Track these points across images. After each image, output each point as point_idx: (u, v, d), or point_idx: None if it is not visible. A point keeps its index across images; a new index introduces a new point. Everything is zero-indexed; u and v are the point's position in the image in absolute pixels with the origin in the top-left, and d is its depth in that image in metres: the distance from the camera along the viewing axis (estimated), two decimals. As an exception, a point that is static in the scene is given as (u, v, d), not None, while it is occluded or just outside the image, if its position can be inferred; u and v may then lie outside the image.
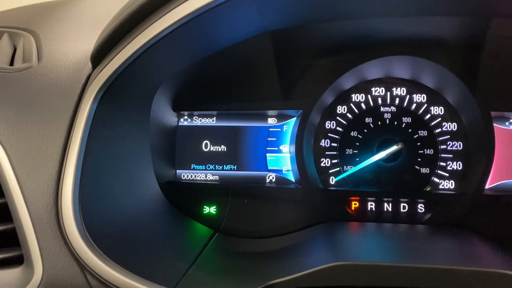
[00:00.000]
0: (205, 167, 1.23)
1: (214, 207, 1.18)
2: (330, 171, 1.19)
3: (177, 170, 1.23)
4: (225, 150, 1.22)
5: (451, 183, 1.15)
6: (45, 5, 1.23)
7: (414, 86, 1.18)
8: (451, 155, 1.15)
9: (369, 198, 1.16)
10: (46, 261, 0.75)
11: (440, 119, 1.16)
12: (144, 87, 0.99)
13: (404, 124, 1.17)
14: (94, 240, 0.76)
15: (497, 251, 0.90)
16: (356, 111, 1.19)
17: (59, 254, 0.76)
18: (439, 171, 1.15)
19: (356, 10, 0.87)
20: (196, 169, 1.23)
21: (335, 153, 1.19)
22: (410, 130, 1.16)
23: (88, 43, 0.93)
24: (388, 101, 1.18)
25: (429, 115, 1.16)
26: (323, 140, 1.20)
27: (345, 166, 1.19)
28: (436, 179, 1.15)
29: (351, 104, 1.19)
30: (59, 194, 0.78)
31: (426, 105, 1.17)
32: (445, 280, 0.71)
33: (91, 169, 0.82)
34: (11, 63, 0.96)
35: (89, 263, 0.74)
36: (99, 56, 0.84)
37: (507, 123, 1.13)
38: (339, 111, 1.19)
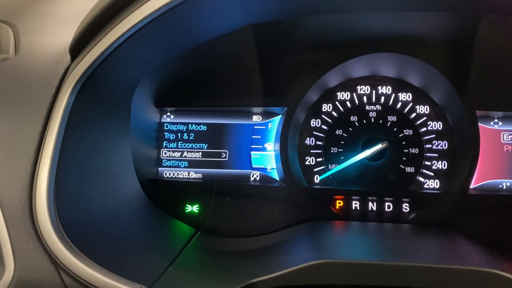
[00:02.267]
0: (188, 164, 1.21)
1: (197, 205, 1.16)
2: (314, 170, 1.18)
3: (159, 168, 1.21)
4: (208, 147, 1.21)
5: (436, 182, 1.14)
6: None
7: (400, 84, 1.17)
8: (436, 155, 1.14)
9: (354, 197, 1.15)
10: (19, 258, 0.73)
11: (425, 118, 1.15)
12: (123, 81, 0.97)
13: (390, 122, 1.16)
14: (69, 237, 0.74)
15: (480, 250, 0.89)
16: (341, 109, 1.18)
17: (32, 251, 0.73)
18: (424, 170, 1.15)
19: (342, 2, 0.86)
20: (179, 167, 1.21)
21: (320, 151, 1.18)
22: (395, 129, 1.16)
23: (68, 36, 0.90)
24: (374, 99, 1.18)
25: (414, 114, 1.16)
26: (308, 138, 1.19)
27: (330, 165, 1.17)
28: (421, 179, 1.15)
29: (337, 102, 1.18)
30: (34, 190, 0.75)
31: (411, 103, 1.16)
32: (429, 278, 0.70)
33: (67, 164, 0.80)
34: (-13, 55, 0.93)
35: (63, 260, 0.72)
36: (78, 47, 0.82)
37: (491, 123, 1.13)
38: (324, 109, 1.18)
